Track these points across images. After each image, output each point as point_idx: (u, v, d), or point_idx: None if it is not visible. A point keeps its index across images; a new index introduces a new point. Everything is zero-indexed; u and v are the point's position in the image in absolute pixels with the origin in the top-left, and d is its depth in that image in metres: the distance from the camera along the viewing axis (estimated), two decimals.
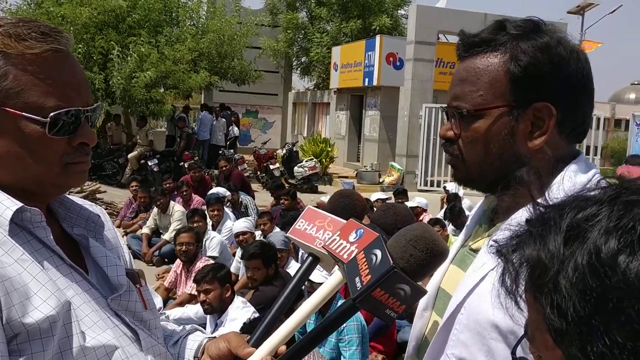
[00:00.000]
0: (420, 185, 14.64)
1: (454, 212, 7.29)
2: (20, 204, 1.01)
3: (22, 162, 1.02)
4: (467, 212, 7.97)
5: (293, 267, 5.31)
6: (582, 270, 0.54)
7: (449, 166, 1.24)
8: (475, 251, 1.18)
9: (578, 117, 1.13)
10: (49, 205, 1.15)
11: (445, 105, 1.20)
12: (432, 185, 14.61)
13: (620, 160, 23.14)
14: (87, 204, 1.23)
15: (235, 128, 18.00)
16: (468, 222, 1.32)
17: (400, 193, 8.95)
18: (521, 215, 1.07)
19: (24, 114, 1.00)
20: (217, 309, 4.13)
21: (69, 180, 1.08)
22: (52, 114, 1.01)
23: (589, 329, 0.54)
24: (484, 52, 1.13)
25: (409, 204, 8.39)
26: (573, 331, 0.55)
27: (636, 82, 36.04)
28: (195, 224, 6.36)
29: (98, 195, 10.59)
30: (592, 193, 0.61)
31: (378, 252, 0.98)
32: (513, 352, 0.69)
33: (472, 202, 8.97)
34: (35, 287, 0.97)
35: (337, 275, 1.10)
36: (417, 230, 0.98)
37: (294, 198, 8.28)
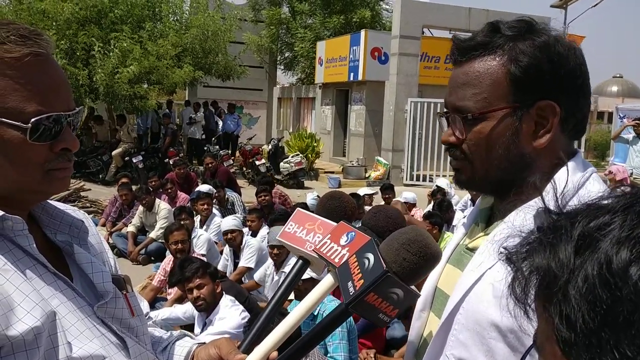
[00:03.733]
0: (407, 179, 14.69)
1: (442, 207, 7.30)
2: (1, 213, 0.98)
3: (2, 170, 0.99)
4: (454, 207, 8.00)
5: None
6: (593, 280, 0.53)
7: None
8: (472, 250, 1.17)
9: (579, 114, 1.14)
10: (31, 212, 1.11)
11: (444, 111, 1.19)
12: (418, 179, 14.66)
13: (603, 153, 23.40)
14: (69, 209, 1.20)
15: (221, 123, 17.94)
16: (464, 221, 1.31)
17: (387, 188, 8.94)
18: (515, 216, 1.07)
19: (3, 119, 0.96)
20: (210, 305, 4.06)
21: (51, 187, 1.05)
22: (33, 120, 0.97)
23: (598, 341, 0.52)
24: (482, 55, 1.12)
25: (396, 199, 8.39)
26: (582, 343, 0.53)
27: (618, 75, 36.48)
28: (182, 222, 6.31)
29: (82, 193, 10.47)
30: (606, 201, 0.59)
31: (370, 256, 0.96)
32: None
33: (460, 197, 9.01)
34: (19, 298, 0.94)
35: (328, 279, 1.08)
36: (410, 234, 0.97)
37: (270, 191, 8.18)
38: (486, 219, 1.24)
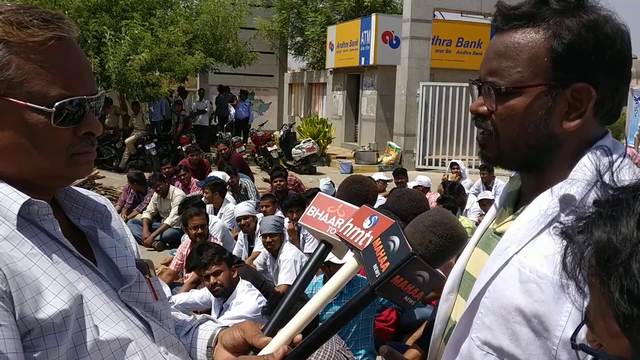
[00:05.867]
0: (419, 164, 14.63)
1: (453, 190, 7.28)
2: (27, 197, 0.98)
3: (27, 154, 0.99)
4: (467, 191, 7.97)
5: (286, 252, 5.19)
6: None
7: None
8: (500, 234, 1.16)
9: (616, 100, 1.09)
10: (55, 197, 1.12)
11: (476, 79, 1.15)
12: (430, 164, 14.60)
13: (617, 135, 23.15)
14: (92, 195, 1.20)
15: (233, 110, 17.94)
16: (495, 204, 1.30)
17: (400, 173, 8.91)
18: (541, 199, 1.06)
19: (27, 104, 0.97)
20: (227, 290, 4.09)
21: (75, 172, 1.05)
22: (57, 104, 0.98)
23: None
24: (525, 26, 1.07)
25: (411, 184, 8.36)
26: None
27: (634, 57, 35.87)
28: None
29: (97, 181, 10.55)
30: None
31: (396, 239, 0.96)
32: (573, 339, 0.66)
33: (473, 181, 8.98)
34: (47, 281, 0.95)
35: (352, 263, 1.08)
36: (437, 216, 0.96)
37: (285, 177, 8.20)
38: (514, 203, 1.21)
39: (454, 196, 6.83)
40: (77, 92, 1.00)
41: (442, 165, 14.02)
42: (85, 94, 1.02)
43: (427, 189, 8.22)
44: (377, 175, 8.93)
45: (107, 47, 13.27)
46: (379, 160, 15.40)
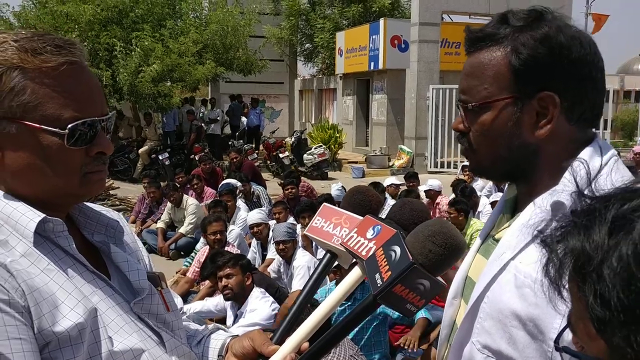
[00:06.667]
0: (431, 167, 14.61)
1: (465, 193, 7.27)
2: (42, 215, 1.03)
3: (42, 174, 1.04)
4: (478, 193, 7.95)
5: (300, 258, 5.22)
6: (627, 260, 0.55)
7: (459, 146, 1.27)
8: (498, 240, 1.20)
9: (587, 102, 1.14)
10: (69, 214, 1.16)
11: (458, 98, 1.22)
12: (442, 166, 14.57)
13: (631, 132, 22.88)
14: (104, 210, 1.25)
15: (244, 119, 18.04)
16: (494, 210, 1.34)
17: (411, 177, 8.91)
18: (528, 209, 1.10)
19: (42, 126, 1.01)
20: (238, 296, 4.13)
21: (88, 190, 1.10)
22: (69, 125, 1.02)
23: (632, 318, 0.55)
24: (488, 46, 1.15)
25: (422, 187, 8.35)
26: (616, 320, 0.56)
27: None
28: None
29: (111, 192, 10.67)
30: (639, 185, 0.62)
31: (397, 249, 0.99)
32: (556, 342, 0.70)
33: (485, 183, 8.94)
34: (63, 295, 0.99)
35: (356, 272, 1.11)
36: (435, 226, 0.99)
37: (297, 184, 8.28)
38: (511, 210, 1.26)
39: (465, 199, 6.83)
40: (88, 113, 1.05)
41: (454, 168, 13.99)
42: (96, 115, 1.06)
43: (438, 193, 8.22)
44: (389, 180, 8.91)
45: (119, 59, 13.42)
46: (390, 164, 15.39)
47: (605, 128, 14.12)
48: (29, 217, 1.02)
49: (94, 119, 1.06)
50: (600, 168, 1.10)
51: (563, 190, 1.03)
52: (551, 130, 1.12)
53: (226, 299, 4.21)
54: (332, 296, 1.12)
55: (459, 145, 1.27)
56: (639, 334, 0.54)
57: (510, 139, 1.14)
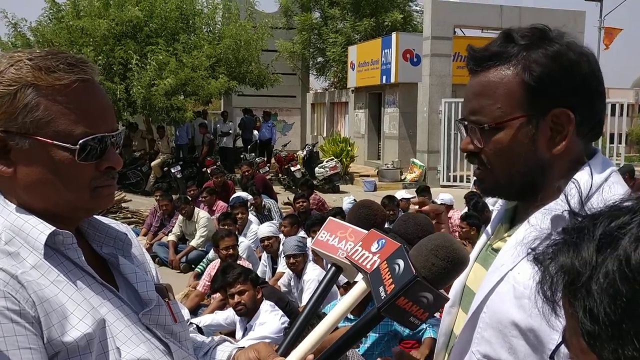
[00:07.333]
0: (443, 180, 14.57)
1: (477, 207, 7.23)
2: (52, 228, 1.05)
3: (53, 189, 1.06)
4: (490, 207, 7.91)
5: (310, 272, 5.23)
6: (613, 276, 0.56)
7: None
8: (497, 250, 1.21)
9: (595, 117, 1.16)
10: (79, 227, 1.19)
11: (461, 118, 1.22)
12: (455, 180, 14.52)
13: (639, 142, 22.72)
14: (113, 223, 1.27)
15: (256, 132, 18.15)
16: (492, 220, 1.35)
17: (423, 191, 8.87)
18: (542, 217, 1.10)
19: (54, 142, 1.04)
20: (251, 311, 4.14)
21: (98, 204, 1.12)
22: (80, 141, 1.05)
23: (620, 332, 0.56)
24: (496, 65, 1.15)
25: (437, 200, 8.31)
26: (605, 335, 0.57)
27: None
28: (227, 227, 6.43)
29: (123, 205, 10.75)
30: (627, 203, 0.63)
31: (401, 262, 1.00)
32: (551, 357, 0.71)
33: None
34: (72, 306, 1.01)
35: (360, 285, 1.12)
36: (438, 240, 1.00)
37: (307, 198, 8.30)
38: (510, 220, 1.27)
39: (478, 213, 6.79)
40: (99, 129, 1.08)
41: (467, 182, 13.94)
42: (106, 131, 1.09)
43: (450, 207, 8.17)
44: (400, 194, 8.88)
45: (133, 72, 13.59)
46: (402, 177, 15.38)
47: (620, 142, 14.02)
48: (40, 229, 1.05)
49: (104, 134, 1.09)
50: (600, 182, 1.11)
51: (555, 209, 1.05)
52: (566, 145, 1.13)
53: (239, 315, 4.22)
54: (337, 309, 1.13)
55: None
56: (626, 348, 0.55)
57: (527, 157, 1.15)
